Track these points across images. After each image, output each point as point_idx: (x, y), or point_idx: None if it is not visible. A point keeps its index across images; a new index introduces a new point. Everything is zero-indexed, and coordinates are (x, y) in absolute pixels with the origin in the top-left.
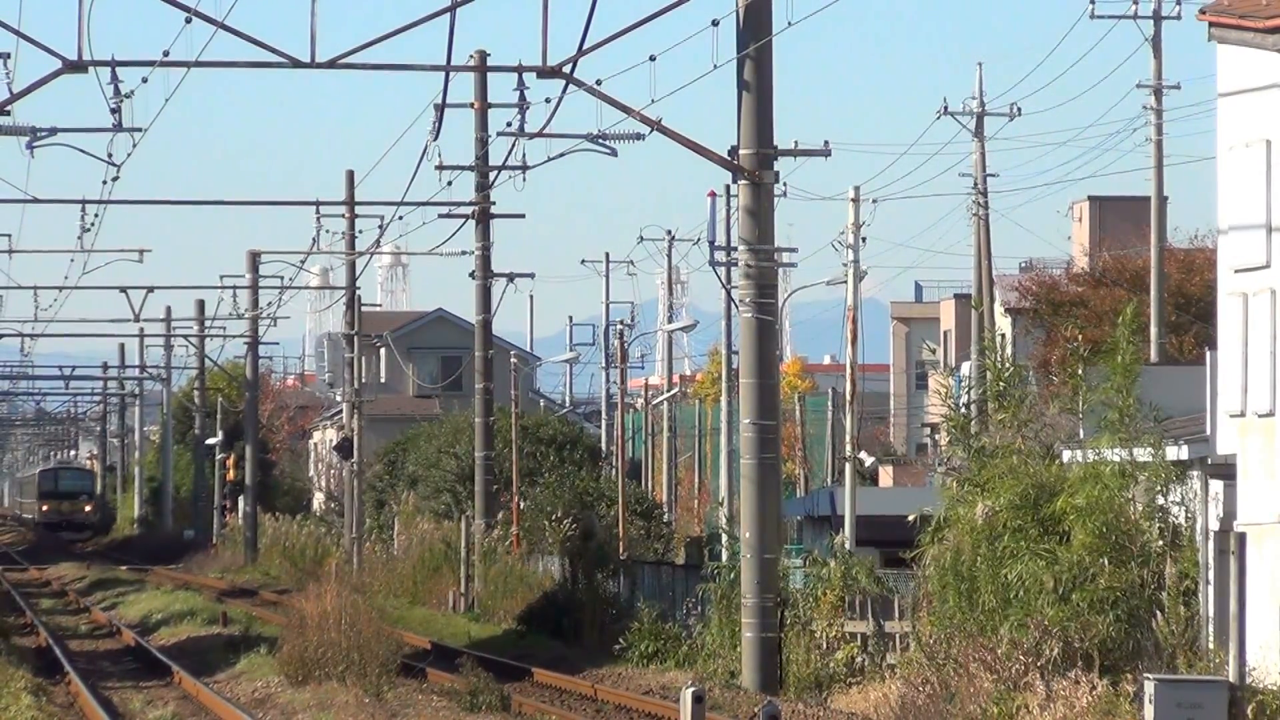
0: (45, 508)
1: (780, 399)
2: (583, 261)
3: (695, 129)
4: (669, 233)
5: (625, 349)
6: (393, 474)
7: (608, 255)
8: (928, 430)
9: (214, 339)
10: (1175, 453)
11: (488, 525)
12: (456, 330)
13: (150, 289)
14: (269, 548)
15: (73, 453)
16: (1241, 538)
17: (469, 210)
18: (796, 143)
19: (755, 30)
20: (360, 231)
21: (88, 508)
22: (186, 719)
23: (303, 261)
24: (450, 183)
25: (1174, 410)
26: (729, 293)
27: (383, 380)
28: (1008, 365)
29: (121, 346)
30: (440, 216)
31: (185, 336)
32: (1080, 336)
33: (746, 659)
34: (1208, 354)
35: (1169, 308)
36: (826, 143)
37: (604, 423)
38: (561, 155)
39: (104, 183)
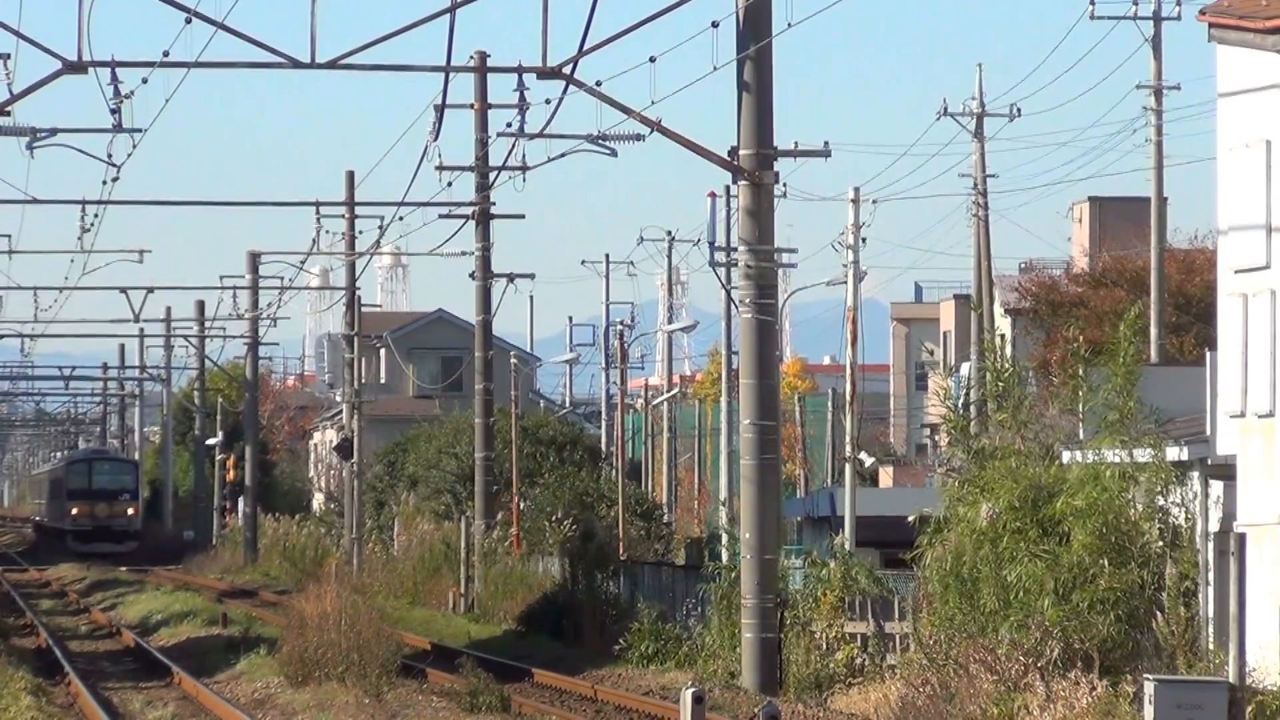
0: (75, 511)
1: (780, 399)
2: (583, 262)
3: (695, 130)
4: (669, 233)
5: (625, 349)
6: (393, 475)
7: (608, 256)
8: (928, 431)
9: (214, 339)
10: (1175, 454)
11: (488, 526)
12: (456, 331)
13: (150, 289)
14: (269, 548)
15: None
16: (1241, 538)
17: (469, 211)
18: (796, 143)
19: (755, 31)
20: (360, 232)
21: (130, 510)
22: (186, 719)
23: (303, 262)
24: (450, 183)
25: (1174, 411)
26: (729, 293)
27: (383, 381)
28: (1007, 366)
29: (121, 347)
30: (440, 217)
31: (185, 337)
32: (1080, 337)
33: (746, 660)
34: (1208, 355)
35: (1169, 308)
36: (826, 143)
37: (604, 423)
38: (562, 156)
39: (104, 183)
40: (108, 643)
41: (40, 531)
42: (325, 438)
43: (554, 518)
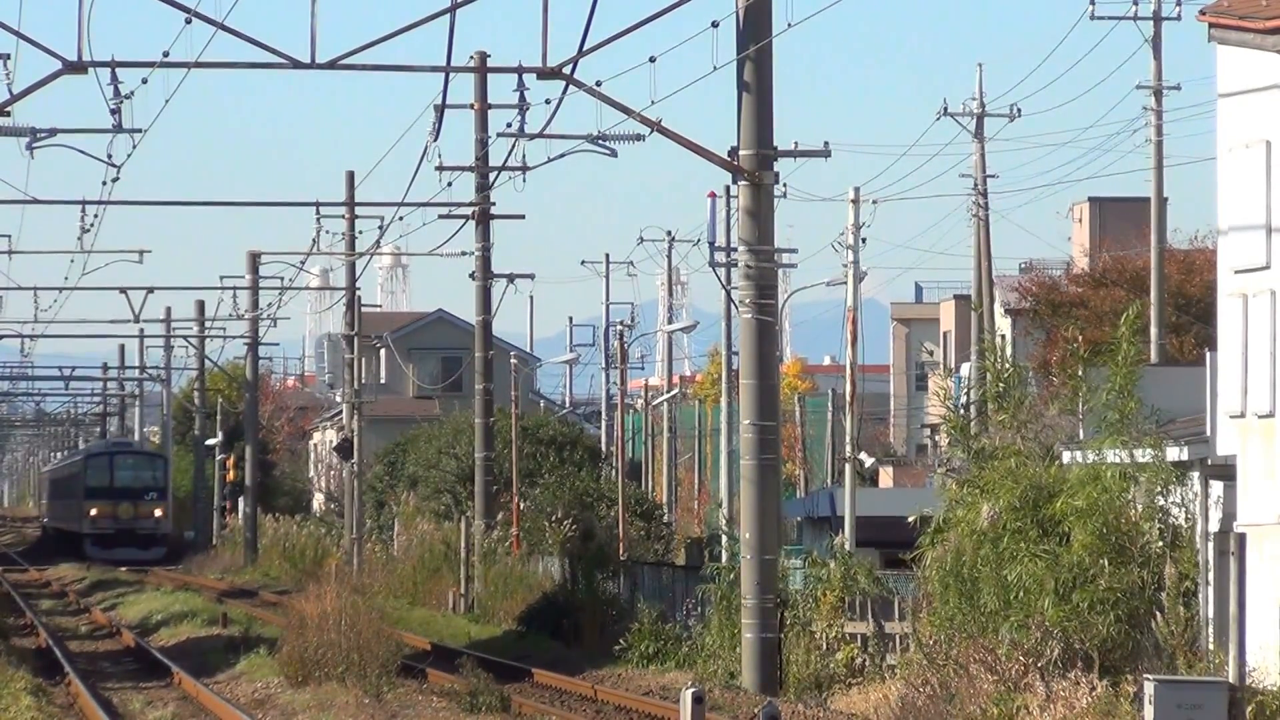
0: (94, 512)
1: (780, 400)
2: (583, 262)
3: (695, 130)
4: (669, 233)
5: (625, 350)
6: (393, 475)
7: (608, 256)
8: (928, 431)
9: (214, 340)
10: (1175, 454)
11: (488, 526)
12: (456, 331)
13: (150, 290)
14: (269, 548)
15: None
16: (1241, 538)
17: (469, 211)
18: (796, 143)
19: (755, 31)
20: (360, 232)
21: (157, 511)
22: (186, 719)
23: (303, 262)
24: (450, 183)
25: (1174, 411)
26: (729, 293)
27: (383, 381)
28: (1007, 366)
29: (121, 347)
30: (440, 217)
31: (185, 337)
32: (1080, 337)
33: (746, 660)
34: (1208, 355)
35: (1169, 309)
36: (826, 143)
37: (604, 423)
38: (562, 156)
39: (104, 183)
40: (108, 643)
41: (51, 535)
42: (325, 438)
43: (554, 518)
